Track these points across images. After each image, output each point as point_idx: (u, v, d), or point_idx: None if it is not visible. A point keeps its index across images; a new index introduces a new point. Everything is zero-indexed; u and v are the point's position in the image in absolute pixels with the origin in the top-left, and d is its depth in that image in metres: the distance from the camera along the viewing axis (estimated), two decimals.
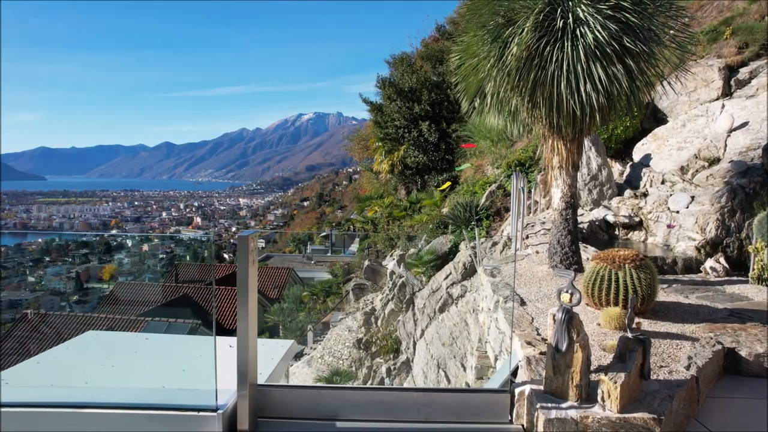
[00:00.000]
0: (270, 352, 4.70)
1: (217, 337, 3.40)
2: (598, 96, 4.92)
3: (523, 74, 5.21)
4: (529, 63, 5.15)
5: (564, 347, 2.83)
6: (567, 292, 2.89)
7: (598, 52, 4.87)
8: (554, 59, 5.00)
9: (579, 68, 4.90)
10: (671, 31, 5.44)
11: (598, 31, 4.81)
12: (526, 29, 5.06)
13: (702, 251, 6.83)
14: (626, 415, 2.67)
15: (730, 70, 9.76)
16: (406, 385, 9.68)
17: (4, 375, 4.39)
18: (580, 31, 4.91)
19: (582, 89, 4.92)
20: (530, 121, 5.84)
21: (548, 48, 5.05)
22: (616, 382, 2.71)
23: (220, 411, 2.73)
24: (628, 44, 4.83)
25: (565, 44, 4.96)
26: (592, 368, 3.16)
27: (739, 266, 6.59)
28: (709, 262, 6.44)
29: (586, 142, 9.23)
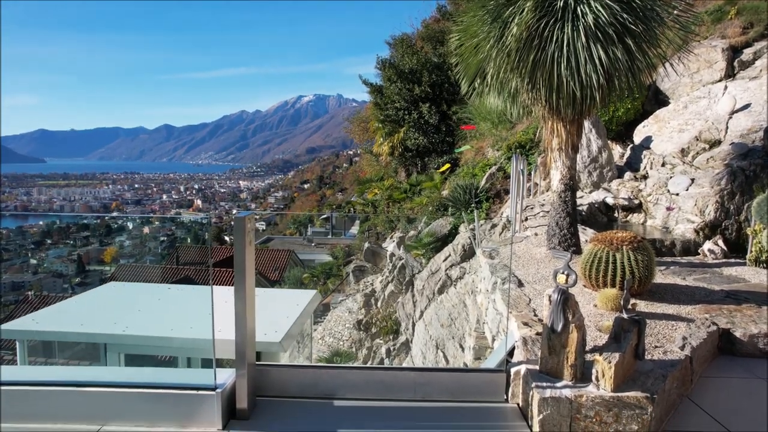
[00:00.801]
0: (295, 300, 4.85)
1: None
2: (598, 77, 4.88)
3: (522, 55, 5.16)
4: (529, 43, 5.10)
5: (559, 328, 2.85)
6: (563, 273, 2.91)
7: (598, 33, 4.82)
8: (554, 40, 4.95)
9: (579, 49, 4.85)
10: (674, 11, 5.36)
11: (599, 10, 4.74)
12: (526, 9, 5.00)
13: (701, 234, 6.83)
14: (620, 394, 2.70)
15: (733, 51, 9.65)
16: (405, 365, 9.80)
17: (34, 316, 4.51)
18: (580, 10, 4.85)
19: (582, 70, 4.88)
20: (530, 103, 5.80)
21: (548, 28, 4.99)
22: (610, 362, 2.74)
23: (218, 390, 2.77)
24: (629, 24, 4.77)
25: (566, 24, 4.90)
26: (587, 348, 3.20)
27: (737, 249, 6.60)
28: (708, 245, 6.46)
29: (587, 124, 9.18)
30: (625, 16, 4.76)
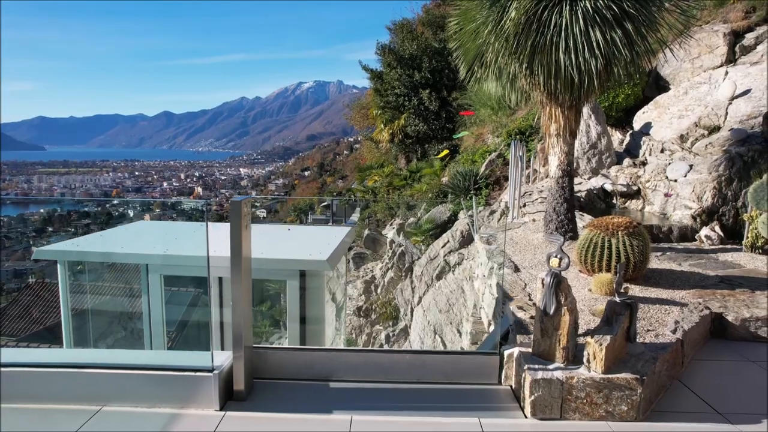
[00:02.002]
0: (333, 233, 5.03)
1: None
2: (597, 62, 4.86)
3: (521, 40, 5.14)
4: (528, 28, 5.07)
5: (552, 310, 2.89)
6: (556, 256, 2.94)
7: (597, 17, 4.79)
8: (553, 24, 4.92)
9: (577, 33, 4.82)
10: None
11: None
12: None
13: (698, 220, 6.85)
14: (610, 376, 2.75)
15: (735, 36, 9.57)
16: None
17: (74, 240, 4.59)
18: None
19: (580, 55, 4.86)
20: (528, 88, 5.78)
21: (547, 12, 4.96)
22: (601, 345, 2.78)
23: (216, 372, 2.82)
24: (627, 8, 4.74)
25: (564, 8, 4.87)
26: (580, 332, 3.24)
27: (734, 234, 6.62)
28: (705, 231, 6.48)
29: (587, 111, 9.15)
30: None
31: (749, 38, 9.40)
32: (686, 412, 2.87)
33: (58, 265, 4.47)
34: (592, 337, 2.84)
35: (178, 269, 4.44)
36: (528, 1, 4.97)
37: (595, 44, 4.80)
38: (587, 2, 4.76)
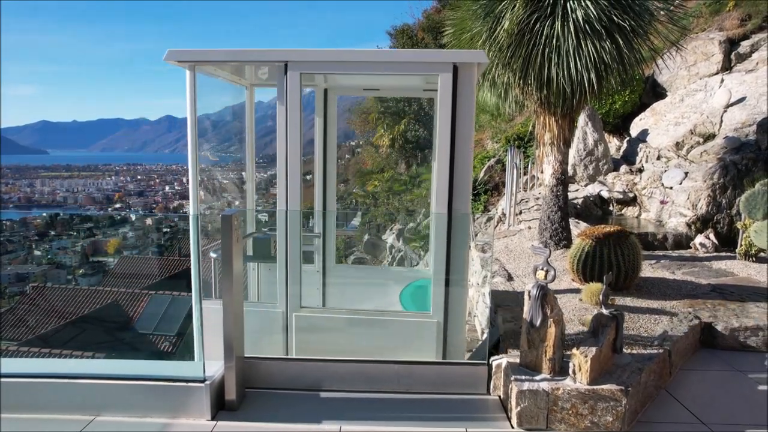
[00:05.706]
0: None
1: None
2: (588, 73, 4.91)
3: (514, 50, 5.20)
4: (520, 39, 5.13)
5: (538, 322, 2.93)
6: (542, 269, 2.98)
7: (588, 28, 4.84)
8: (545, 36, 4.98)
9: (569, 45, 4.88)
10: (671, 6, 5.37)
11: (588, 5, 4.77)
12: (517, 4, 5.03)
13: (692, 227, 6.89)
14: (595, 387, 2.78)
15: (731, 44, 9.63)
16: None
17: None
18: (570, 6, 4.87)
19: (572, 66, 4.91)
20: (522, 98, 5.84)
21: (539, 24, 5.01)
22: (586, 356, 2.82)
23: (207, 382, 2.86)
24: (617, 19, 4.79)
25: (556, 20, 4.92)
26: (569, 342, 3.28)
27: (728, 242, 6.65)
28: (699, 238, 6.51)
29: (583, 118, 9.20)
30: (613, 11, 4.78)
31: (744, 46, 9.45)
32: (671, 423, 2.91)
33: (186, 71, 4.10)
34: (578, 349, 2.88)
35: (317, 66, 4.24)
36: (521, 12, 5.03)
37: (586, 55, 4.85)
38: (578, 13, 4.81)
